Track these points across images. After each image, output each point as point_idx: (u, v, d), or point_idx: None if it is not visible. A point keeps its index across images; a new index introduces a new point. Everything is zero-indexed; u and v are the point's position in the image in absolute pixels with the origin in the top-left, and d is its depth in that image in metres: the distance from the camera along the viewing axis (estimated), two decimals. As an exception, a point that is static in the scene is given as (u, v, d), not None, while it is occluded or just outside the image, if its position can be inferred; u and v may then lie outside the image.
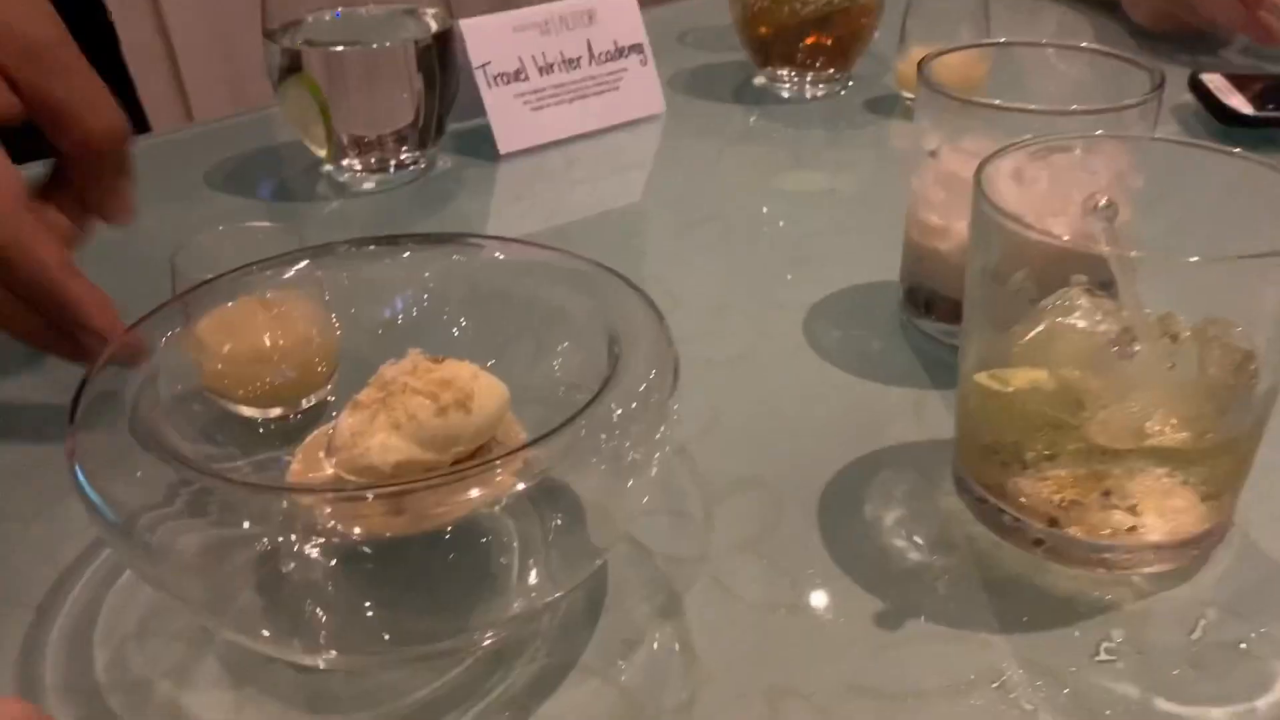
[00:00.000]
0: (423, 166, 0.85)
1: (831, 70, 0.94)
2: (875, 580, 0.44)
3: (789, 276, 0.67)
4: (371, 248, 0.47)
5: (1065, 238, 0.40)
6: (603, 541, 0.41)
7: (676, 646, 0.41)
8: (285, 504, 0.37)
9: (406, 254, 0.47)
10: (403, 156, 0.84)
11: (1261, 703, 0.38)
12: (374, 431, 0.38)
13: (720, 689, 0.39)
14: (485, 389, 0.40)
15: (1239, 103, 0.81)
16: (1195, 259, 0.38)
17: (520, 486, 0.36)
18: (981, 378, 0.43)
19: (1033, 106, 0.50)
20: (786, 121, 0.92)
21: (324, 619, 0.39)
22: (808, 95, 0.94)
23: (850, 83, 0.95)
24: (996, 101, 0.52)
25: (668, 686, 0.39)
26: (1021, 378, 0.42)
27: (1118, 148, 0.48)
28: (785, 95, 0.95)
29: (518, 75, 0.87)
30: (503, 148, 0.86)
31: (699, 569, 0.44)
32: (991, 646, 0.41)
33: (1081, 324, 0.41)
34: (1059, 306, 0.41)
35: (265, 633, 0.38)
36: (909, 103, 0.91)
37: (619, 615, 0.42)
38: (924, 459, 0.50)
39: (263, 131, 0.92)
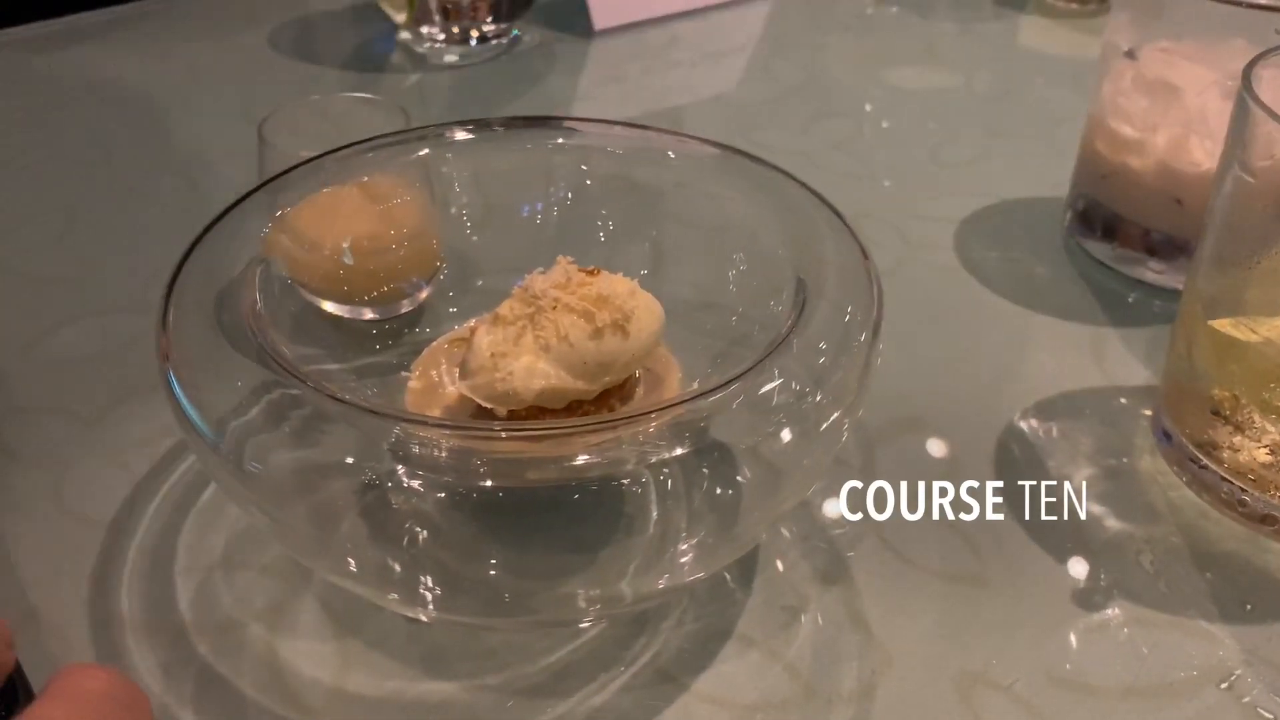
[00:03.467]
0: (505, 42, 0.77)
1: (960, -46, 0.85)
2: (1069, 550, 0.38)
3: (932, 185, 0.60)
4: (497, 129, 0.40)
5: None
6: (769, 516, 0.34)
7: (846, 618, 0.35)
8: (404, 435, 0.31)
9: (542, 140, 0.40)
10: (486, 28, 0.76)
11: None
12: (519, 353, 0.32)
13: (903, 673, 0.34)
14: (644, 309, 0.33)
15: None
16: None
17: (685, 448, 0.30)
18: (1224, 324, 0.36)
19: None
20: (907, 8, 0.83)
21: (436, 571, 0.33)
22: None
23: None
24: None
25: (842, 666, 0.34)
26: (1276, 327, 0.35)
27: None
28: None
29: (619, -59, 0.78)
30: (598, 23, 0.77)
31: (863, 526, 0.38)
32: (1213, 638, 0.35)
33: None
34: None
35: (368, 581, 0.32)
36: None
37: (775, 576, 0.36)
38: (1111, 409, 0.44)
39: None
